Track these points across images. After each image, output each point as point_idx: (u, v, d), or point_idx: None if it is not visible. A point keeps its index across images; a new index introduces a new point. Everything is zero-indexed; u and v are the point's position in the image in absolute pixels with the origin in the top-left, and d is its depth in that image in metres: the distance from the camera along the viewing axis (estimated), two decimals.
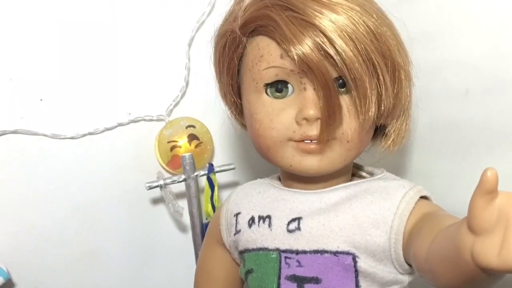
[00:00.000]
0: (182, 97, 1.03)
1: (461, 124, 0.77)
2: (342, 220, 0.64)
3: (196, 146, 1.00)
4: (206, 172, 0.96)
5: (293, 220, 0.67)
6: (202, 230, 0.98)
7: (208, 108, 1.04)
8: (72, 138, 0.99)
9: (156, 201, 1.05)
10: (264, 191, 0.73)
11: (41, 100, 0.97)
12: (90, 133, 1.00)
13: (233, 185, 1.08)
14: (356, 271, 0.64)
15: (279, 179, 0.76)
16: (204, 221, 0.98)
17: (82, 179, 1.01)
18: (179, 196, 1.02)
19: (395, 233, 0.62)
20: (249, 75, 0.67)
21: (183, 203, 1.00)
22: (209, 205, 0.95)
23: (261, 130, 0.66)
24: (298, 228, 0.66)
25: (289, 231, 0.66)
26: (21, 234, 0.99)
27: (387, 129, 0.70)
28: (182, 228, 1.08)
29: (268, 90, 0.65)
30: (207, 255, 0.81)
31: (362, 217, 0.64)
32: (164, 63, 1.02)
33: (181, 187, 1.02)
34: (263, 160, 0.71)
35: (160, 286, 1.09)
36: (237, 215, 0.73)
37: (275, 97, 0.65)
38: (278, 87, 0.64)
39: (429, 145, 0.84)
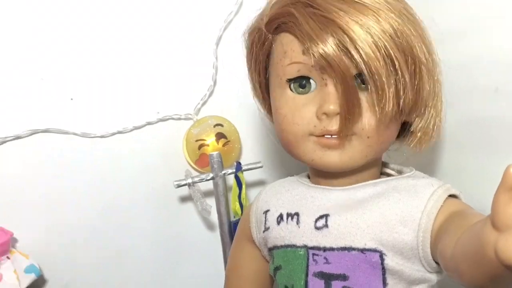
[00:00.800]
0: (210, 96, 1.04)
1: (491, 122, 0.76)
2: (369, 217, 0.64)
3: (224, 145, 1.00)
4: (234, 170, 0.96)
5: (321, 217, 0.67)
6: (230, 228, 0.98)
7: (236, 106, 1.05)
8: (102, 136, 1.01)
9: (184, 199, 1.06)
10: (293, 189, 0.74)
11: (71, 99, 0.98)
12: (119, 132, 1.01)
13: (260, 183, 1.09)
14: (383, 268, 0.64)
15: (308, 177, 0.76)
16: (232, 219, 0.99)
17: (111, 178, 1.02)
18: (206, 194, 1.02)
19: (423, 231, 0.62)
20: (275, 71, 0.68)
21: (211, 202, 1.01)
22: (237, 204, 0.96)
23: (284, 124, 0.67)
24: (326, 225, 0.66)
25: (317, 228, 0.67)
26: (53, 232, 1.01)
27: (412, 127, 0.70)
28: (210, 226, 1.09)
29: (292, 86, 0.66)
30: (237, 252, 0.82)
31: (390, 215, 0.64)
32: (192, 62, 1.03)
33: (209, 185, 1.03)
34: (290, 159, 0.72)
35: (188, 284, 1.10)
36: (266, 212, 0.74)
37: (298, 93, 0.66)
38: (302, 82, 0.65)
39: (458, 143, 0.84)
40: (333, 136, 0.64)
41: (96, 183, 1.02)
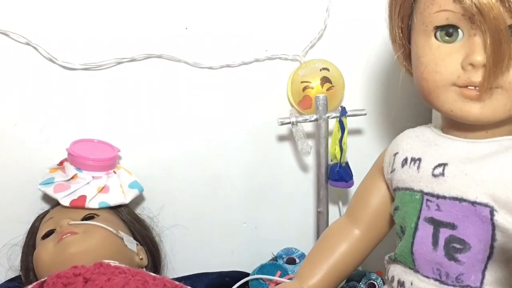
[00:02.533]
0: (319, 39, 1.04)
1: None
2: (485, 172, 0.64)
3: (328, 89, 1.01)
4: (338, 114, 0.97)
5: (439, 165, 0.67)
6: (326, 171, 1.00)
7: (343, 53, 1.05)
8: (210, 68, 1.03)
9: (282, 138, 1.08)
10: (422, 135, 0.74)
11: (186, 28, 1.01)
12: (228, 65, 1.03)
13: (358, 131, 1.10)
14: (493, 224, 0.64)
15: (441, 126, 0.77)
16: (329, 162, 1.00)
17: (215, 108, 1.06)
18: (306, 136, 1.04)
19: None
20: (420, 18, 0.67)
21: (310, 143, 1.03)
22: (337, 147, 0.97)
23: (425, 73, 0.66)
24: (442, 174, 0.66)
25: (434, 175, 0.67)
26: (155, 154, 1.06)
27: None
28: (303, 167, 1.11)
29: (438, 34, 0.65)
30: (367, 182, 0.83)
31: (507, 172, 0.63)
32: (305, 3, 1.03)
33: (308, 127, 1.05)
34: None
35: (276, 218, 1.14)
36: (395, 154, 0.75)
37: (444, 41, 0.65)
38: (449, 31, 0.64)
39: None
40: (476, 88, 0.63)
41: (200, 112, 1.05)
